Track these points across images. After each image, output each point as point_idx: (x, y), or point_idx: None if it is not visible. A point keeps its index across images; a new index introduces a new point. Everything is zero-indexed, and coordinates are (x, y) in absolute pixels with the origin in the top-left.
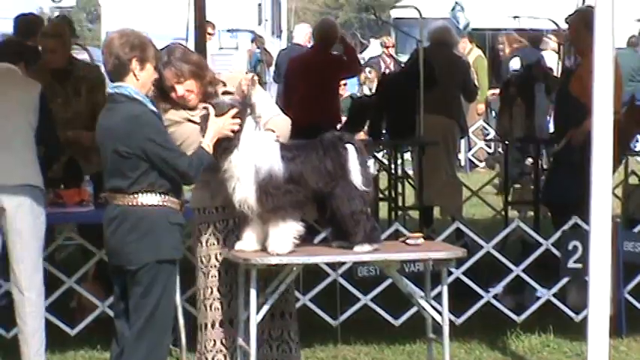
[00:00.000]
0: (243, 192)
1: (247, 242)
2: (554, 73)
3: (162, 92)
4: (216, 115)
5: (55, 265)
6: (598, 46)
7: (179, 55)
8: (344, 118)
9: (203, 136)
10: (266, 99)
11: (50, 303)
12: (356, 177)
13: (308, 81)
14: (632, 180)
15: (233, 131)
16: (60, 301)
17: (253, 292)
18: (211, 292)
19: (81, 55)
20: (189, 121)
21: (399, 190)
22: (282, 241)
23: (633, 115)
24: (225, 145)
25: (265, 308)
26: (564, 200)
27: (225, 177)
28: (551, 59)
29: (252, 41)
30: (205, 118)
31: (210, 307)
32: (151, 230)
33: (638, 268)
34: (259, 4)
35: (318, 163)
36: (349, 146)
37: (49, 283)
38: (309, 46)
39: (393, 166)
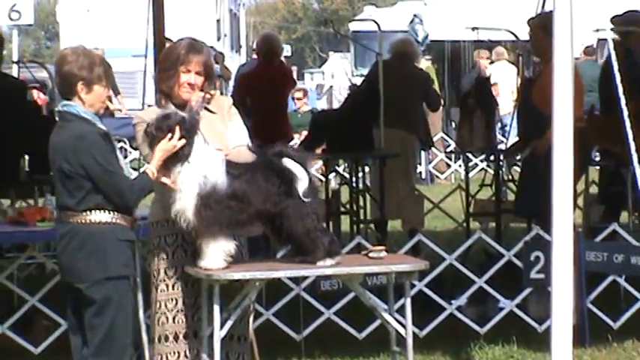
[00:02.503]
0: (183, 203)
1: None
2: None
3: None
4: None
5: (17, 283)
6: (557, 55)
7: (209, 53)
8: (304, 133)
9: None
10: (237, 128)
11: (13, 322)
12: (301, 193)
13: (258, 95)
14: (593, 190)
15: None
16: (23, 320)
17: (217, 308)
18: (159, 306)
19: (39, 73)
20: None
21: (361, 203)
22: (213, 257)
23: (593, 125)
24: (175, 158)
25: (229, 324)
26: (537, 210)
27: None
28: (506, 70)
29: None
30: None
31: (158, 321)
32: (99, 247)
33: (600, 278)
34: (218, 20)
35: (264, 183)
36: (288, 161)
37: (11, 301)
38: None
39: (354, 179)
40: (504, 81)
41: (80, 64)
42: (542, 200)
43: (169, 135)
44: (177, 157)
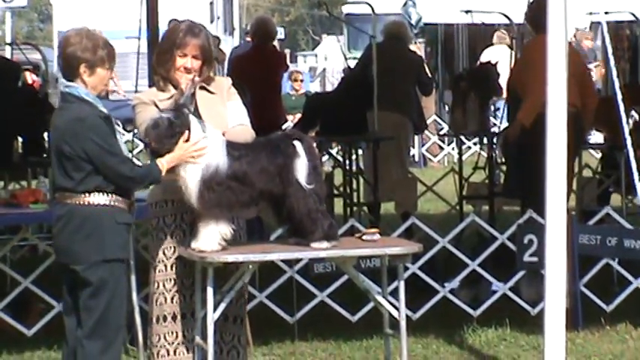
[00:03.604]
0: (187, 188)
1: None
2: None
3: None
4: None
5: (10, 265)
6: (552, 38)
7: (208, 36)
8: (298, 115)
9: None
10: (236, 108)
11: (7, 304)
12: (304, 176)
13: (252, 79)
14: (586, 173)
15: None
16: (16, 303)
17: (210, 290)
18: (157, 286)
19: (32, 55)
20: (155, 105)
21: (354, 186)
22: (208, 239)
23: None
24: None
25: (222, 306)
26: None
27: (175, 172)
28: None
29: None
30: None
31: (156, 301)
32: (97, 229)
33: (593, 261)
34: (211, 2)
35: (266, 164)
36: (297, 144)
37: (4, 283)
38: None
39: (347, 162)
40: (501, 65)
41: (84, 46)
42: (525, 181)
43: (188, 135)
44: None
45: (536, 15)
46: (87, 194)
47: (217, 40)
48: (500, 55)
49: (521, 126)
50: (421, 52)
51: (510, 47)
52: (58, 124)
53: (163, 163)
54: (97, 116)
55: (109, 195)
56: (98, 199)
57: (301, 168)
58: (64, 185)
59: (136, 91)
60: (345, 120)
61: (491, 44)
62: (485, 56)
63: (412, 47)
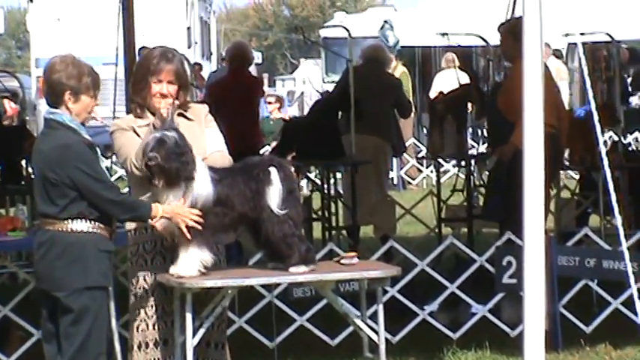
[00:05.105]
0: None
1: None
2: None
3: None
4: None
5: None
6: (527, 60)
7: (182, 60)
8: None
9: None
10: (214, 135)
11: None
12: (277, 202)
13: (229, 104)
14: (565, 194)
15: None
16: None
17: (189, 316)
18: (138, 313)
19: (10, 83)
20: (134, 131)
21: (333, 209)
22: (188, 264)
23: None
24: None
25: (201, 332)
26: (502, 214)
27: (156, 197)
28: (453, 77)
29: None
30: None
31: (137, 328)
32: (79, 257)
33: (572, 283)
34: (188, 28)
35: (243, 188)
36: (272, 170)
37: None
38: None
39: (325, 186)
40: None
41: (69, 73)
42: (508, 204)
43: (190, 207)
44: (180, 184)
45: (509, 44)
46: (69, 221)
47: (199, 66)
48: (449, 79)
49: (515, 148)
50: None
51: (463, 70)
52: (43, 149)
53: (159, 209)
54: (82, 143)
55: (92, 222)
56: (81, 225)
57: (274, 194)
58: (46, 212)
59: (114, 118)
60: (320, 144)
61: (442, 69)
62: (437, 81)
63: (399, 69)
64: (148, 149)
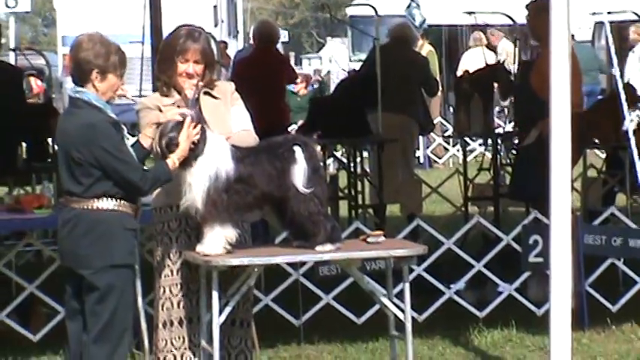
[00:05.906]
0: (193, 194)
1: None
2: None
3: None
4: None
5: (15, 271)
6: (554, 39)
7: (208, 39)
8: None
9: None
10: (240, 113)
11: (12, 310)
12: (302, 180)
13: (255, 82)
14: (591, 173)
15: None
16: (21, 308)
17: (215, 294)
18: (164, 291)
19: (36, 60)
20: (159, 109)
21: (359, 188)
22: (213, 243)
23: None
24: (190, 154)
25: (227, 310)
26: (535, 194)
27: (179, 177)
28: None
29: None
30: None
31: (163, 306)
32: (105, 235)
33: (599, 261)
34: (215, 6)
35: (268, 167)
36: (297, 148)
37: (9, 289)
38: None
39: (352, 164)
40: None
41: (96, 51)
42: (541, 183)
43: (189, 122)
44: (193, 153)
45: (537, 25)
46: (95, 199)
47: (224, 44)
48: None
49: None
50: (433, 54)
51: (490, 48)
52: (68, 129)
53: (174, 159)
54: (107, 122)
55: (117, 200)
56: (106, 204)
57: (299, 173)
58: (71, 190)
59: (140, 96)
60: (347, 122)
61: (469, 47)
62: (464, 59)
63: (426, 47)
64: (167, 130)
